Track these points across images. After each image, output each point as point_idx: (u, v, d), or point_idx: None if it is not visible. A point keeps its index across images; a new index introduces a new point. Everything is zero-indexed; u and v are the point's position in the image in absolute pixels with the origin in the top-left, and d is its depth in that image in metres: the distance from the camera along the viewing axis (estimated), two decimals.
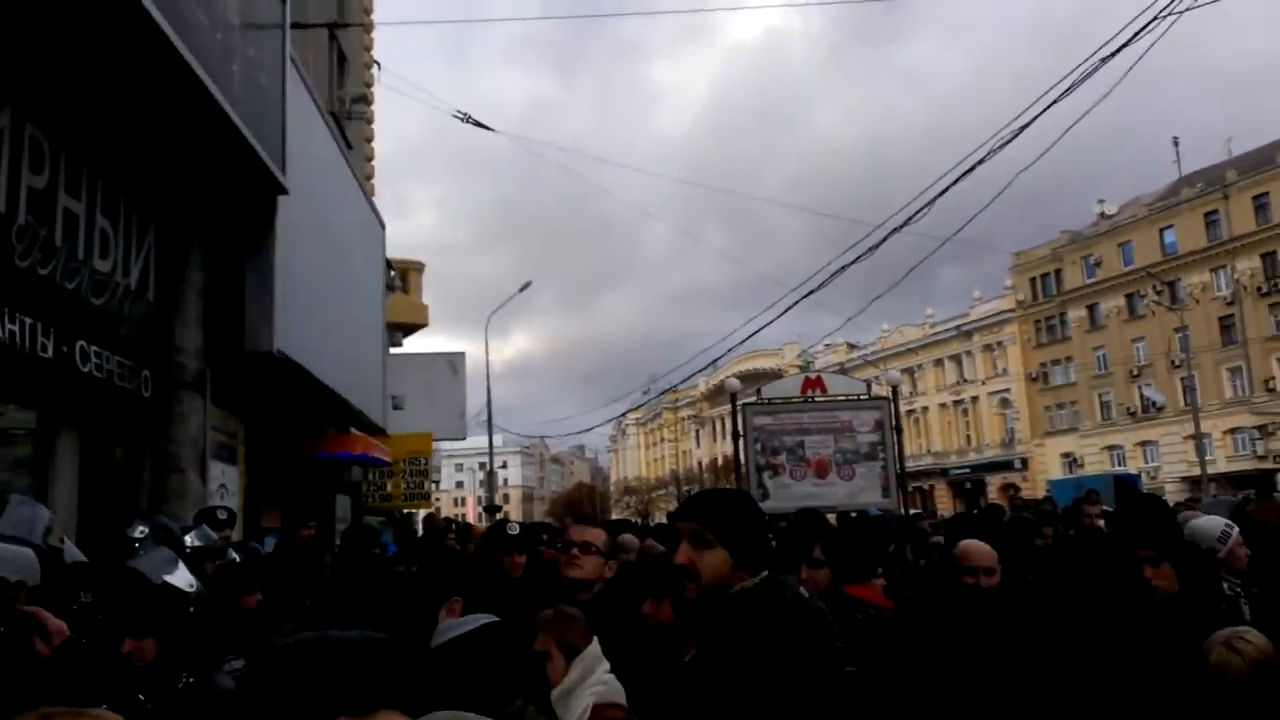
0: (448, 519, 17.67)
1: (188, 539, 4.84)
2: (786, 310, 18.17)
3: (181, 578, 3.22)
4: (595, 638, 2.85)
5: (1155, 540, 3.57)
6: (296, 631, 1.26)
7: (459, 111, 15.53)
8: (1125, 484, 21.39)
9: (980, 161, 10.02)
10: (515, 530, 5.93)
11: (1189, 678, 2.82)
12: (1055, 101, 8.86)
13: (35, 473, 6.18)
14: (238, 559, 5.00)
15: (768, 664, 2.30)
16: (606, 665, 2.82)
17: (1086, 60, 8.63)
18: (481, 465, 40.27)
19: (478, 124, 16.54)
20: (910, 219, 11.93)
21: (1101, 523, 7.04)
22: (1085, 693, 2.89)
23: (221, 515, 6.57)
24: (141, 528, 4.48)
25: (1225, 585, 4.11)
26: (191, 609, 3.17)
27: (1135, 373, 49.67)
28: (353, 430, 12.98)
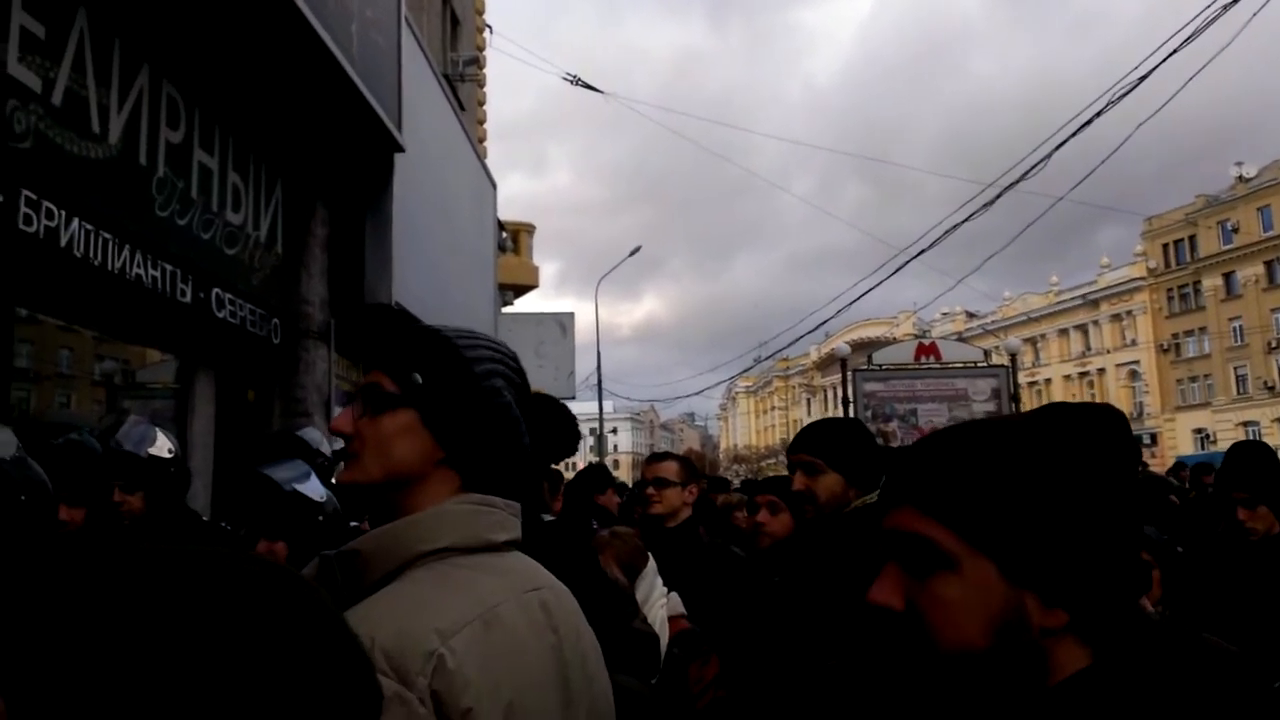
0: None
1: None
2: (896, 271, 17.77)
3: (313, 488, 3.47)
4: (650, 555, 2.98)
5: (1251, 483, 3.52)
6: None
7: (569, 74, 15.76)
8: None
9: (1099, 113, 9.67)
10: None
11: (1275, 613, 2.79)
12: (1175, 51, 8.47)
13: (176, 411, 6.65)
14: None
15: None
16: (661, 581, 2.95)
17: (1208, 8, 8.23)
18: (592, 431, 40.88)
19: (588, 86, 16.74)
20: (1024, 175, 11.60)
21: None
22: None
23: None
24: (312, 431, 4.84)
25: None
26: (321, 518, 3.42)
27: (1274, 344, 47.09)
28: None
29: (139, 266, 5.33)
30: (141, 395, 6.87)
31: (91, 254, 4.87)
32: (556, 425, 2.65)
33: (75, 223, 4.72)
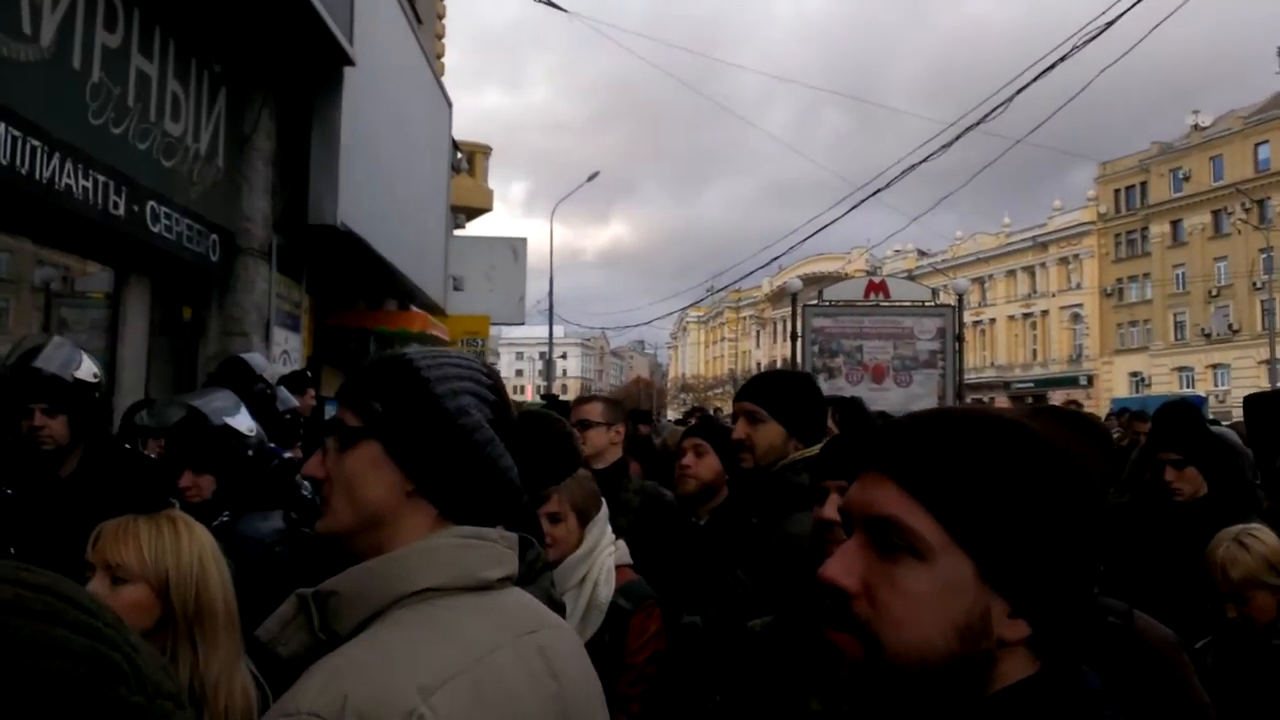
0: None
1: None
2: (851, 210, 17.72)
3: (243, 422, 3.38)
4: (604, 503, 2.93)
5: (1181, 444, 3.56)
6: None
7: None
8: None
9: (1062, 58, 9.64)
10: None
11: (1197, 574, 2.84)
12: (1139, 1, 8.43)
13: (108, 327, 6.47)
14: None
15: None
16: (610, 529, 2.92)
17: None
18: (541, 355, 40.76)
19: (550, 4, 16.26)
20: (985, 118, 11.58)
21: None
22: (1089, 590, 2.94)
23: (309, 374, 6.89)
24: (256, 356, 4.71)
25: None
26: (250, 452, 3.34)
27: (1214, 293, 48.06)
28: (413, 308, 13.25)
29: (69, 176, 5.12)
30: (79, 305, 6.69)
31: (19, 161, 4.65)
32: (550, 445, 2.51)
33: (1, 127, 4.50)
